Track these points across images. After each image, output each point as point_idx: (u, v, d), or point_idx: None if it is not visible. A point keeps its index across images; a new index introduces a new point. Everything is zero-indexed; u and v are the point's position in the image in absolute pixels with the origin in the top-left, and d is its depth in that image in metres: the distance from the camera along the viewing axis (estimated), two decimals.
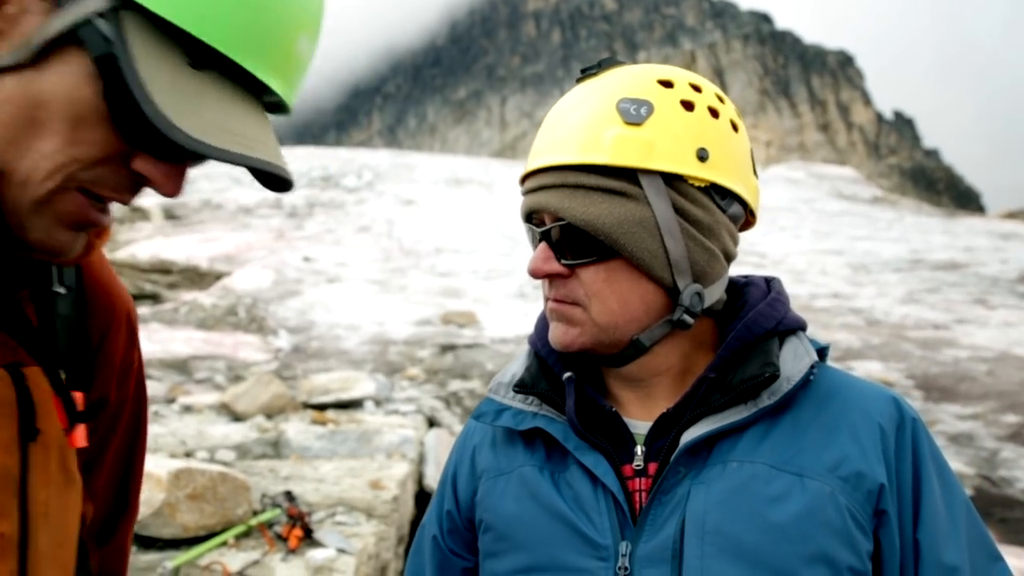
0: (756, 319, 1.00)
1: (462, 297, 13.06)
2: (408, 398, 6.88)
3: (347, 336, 10.31)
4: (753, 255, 17.65)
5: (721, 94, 1.01)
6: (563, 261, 0.97)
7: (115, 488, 1.05)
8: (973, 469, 6.14)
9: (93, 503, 0.99)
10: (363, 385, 6.46)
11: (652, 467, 0.98)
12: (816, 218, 25.76)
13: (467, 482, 1.11)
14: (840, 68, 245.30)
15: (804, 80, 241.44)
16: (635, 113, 0.94)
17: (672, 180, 0.94)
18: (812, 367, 0.96)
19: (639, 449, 0.99)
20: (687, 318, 0.98)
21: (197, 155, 0.71)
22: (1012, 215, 32.21)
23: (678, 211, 0.94)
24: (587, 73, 1.02)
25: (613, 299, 0.96)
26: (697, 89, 0.98)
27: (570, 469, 1.00)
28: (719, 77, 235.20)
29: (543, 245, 0.98)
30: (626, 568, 0.93)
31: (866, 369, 9.08)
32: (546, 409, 1.04)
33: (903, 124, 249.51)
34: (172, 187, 0.75)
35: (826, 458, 0.93)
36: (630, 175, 0.93)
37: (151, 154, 0.73)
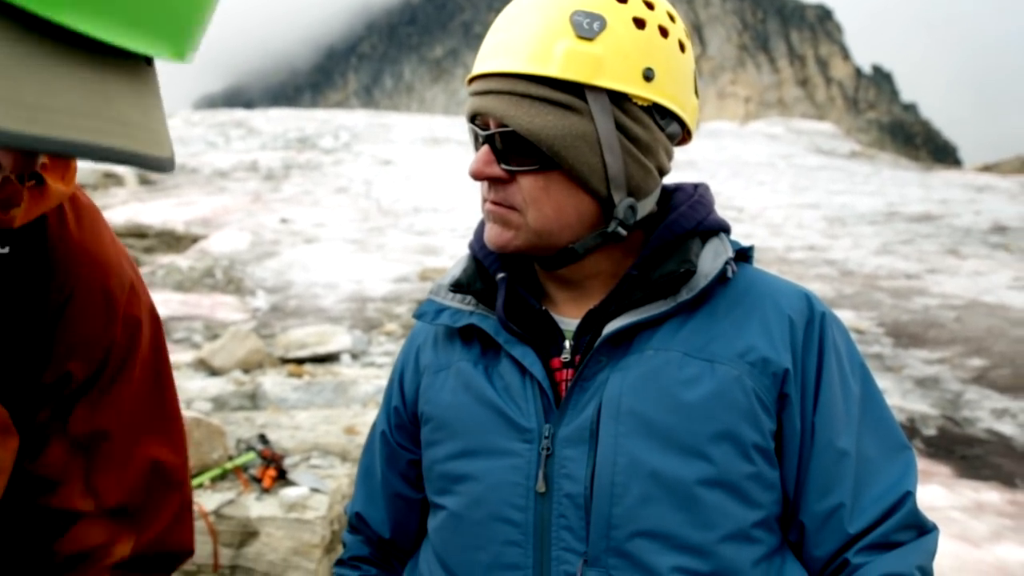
0: (677, 220, 1.05)
1: (440, 255, 13.07)
2: (385, 352, 6.93)
3: (325, 295, 10.33)
4: (731, 209, 17.70)
5: (672, 12, 1.03)
6: (504, 166, 1.00)
7: (141, 481, 1.01)
8: (937, 410, 6.30)
9: (93, 497, 0.97)
10: (339, 339, 6.51)
11: (579, 360, 1.04)
12: (794, 173, 25.86)
13: (412, 379, 1.17)
14: (819, 22, 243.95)
15: (783, 35, 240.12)
16: (588, 27, 0.95)
17: (617, 98, 0.97)
18: (727, 263, 1.02)
19: (567, 343, 1.05)
20: (620, 230, 1.02)
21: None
22: (987, 168, 32.53)
23: (620, 128, 0.97)
24: None
25: (549, 207, 1.00)
26: (650, 6, 0.99)
27: (502, 362, 1.06)
28: (697, 32, 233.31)
29: (486, 148, 1.01)
30: (548, 449, 1.00)
31: None
32: (482, 308, 1.09)
33: (881, 79, 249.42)
34: (17, 166, 0.69)
35: (736, 345, 1.00)
36: (577, 89, 0.96)
37: None
